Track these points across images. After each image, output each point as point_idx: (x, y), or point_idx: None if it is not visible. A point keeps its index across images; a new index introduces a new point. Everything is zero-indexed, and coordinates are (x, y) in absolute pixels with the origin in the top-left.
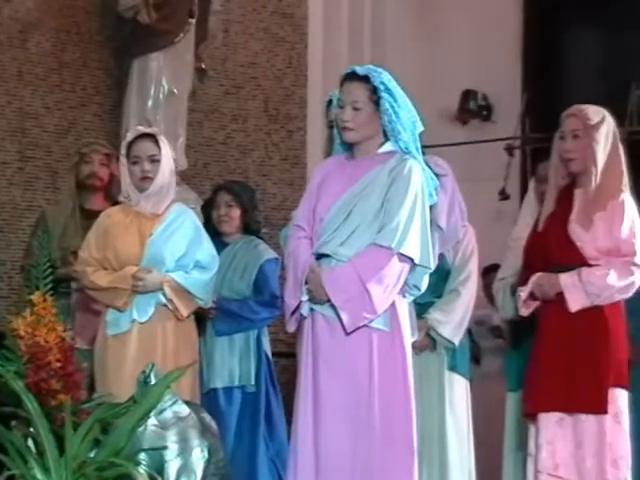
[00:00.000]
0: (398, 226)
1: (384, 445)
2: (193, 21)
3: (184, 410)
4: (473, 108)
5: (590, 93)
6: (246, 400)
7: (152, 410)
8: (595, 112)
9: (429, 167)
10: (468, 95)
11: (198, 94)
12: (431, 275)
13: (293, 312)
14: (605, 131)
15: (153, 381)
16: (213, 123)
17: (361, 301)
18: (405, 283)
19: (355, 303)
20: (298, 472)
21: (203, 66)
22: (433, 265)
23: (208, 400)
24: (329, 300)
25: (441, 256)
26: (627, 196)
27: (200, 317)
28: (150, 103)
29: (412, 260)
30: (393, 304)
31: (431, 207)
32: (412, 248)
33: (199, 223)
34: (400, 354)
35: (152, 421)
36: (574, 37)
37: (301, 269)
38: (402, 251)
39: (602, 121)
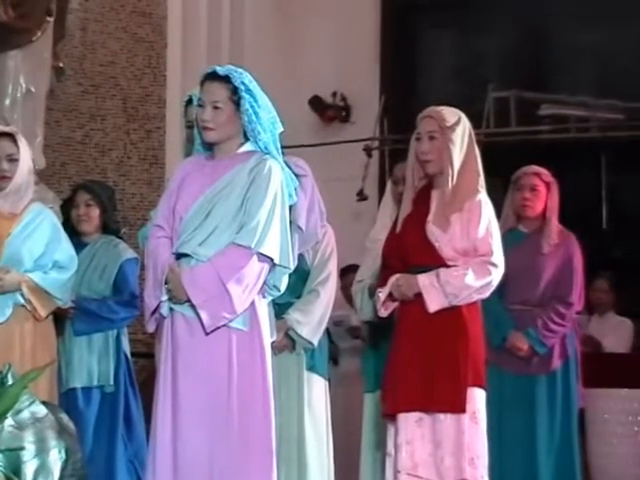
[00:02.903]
0: (258, 226)
1: (242, 446)
2: (51, 19)
3: (41, 410)
4: (331, 104)
5: (447, 95)
6: (105, 400)
7: (9, 411)
8: (451, 113)
9: (289, 167)
10: (316, 102)
11: (56, 93)
12: (290, 275)
13: (153, 312)
14: (461, 132)
15: (10, 382)
16: (71, 122)
17: (221, 301)
18: (264, 283)
19: (215, 303)
20: (157, 473)
21: (61, 65)
22: (293, 265)
23: (67, 400)
24: (189, 300)
25: (300, 256)
26: (483, 196)
27: (59, 317)
28: (7, 102)
29: (272, 260)
30: (252, 304)
31: (291, 207)
32: (272, 248)
33: (58, 223)
34: (259, 354)
35: (9, 422)
36: (431, 39)
37: (161, 269)
38: (262, 251)
39: (458, 122)
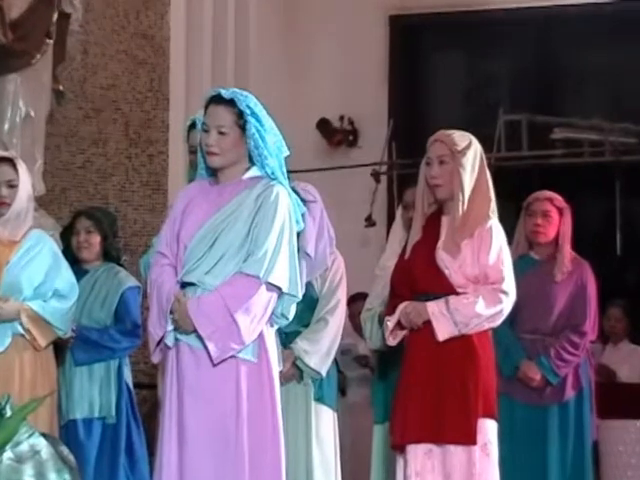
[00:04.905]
0: (266, 254)
1: (251, 478)
2: (51, 42)
3: (41, 443)
4: (338, 128)
5: (457, 119)
6: (106, 432)
7: (8, 443)
8: (461, 137)
9: (296, 193)
10: (323, 125)
11: (56, 117)
12: (298, 304)
13: (158, 343)
14: (472, 156)
15: (9, 413)
16: (72, 147)
17: (229, 332)
18: (272, 312)
19: (222, 334)
20: None
21: (61, 88)
22: (301, 294)
23: (67, 432)
24: (195, 330)
25: (308, 284)
26: (495, 222)
27: (59, 346)
28: (6, 126)
29: (280, 289)
30: (261, 334)
31: (298, 234)
32: (280, 277)
33: (58, 250)
34: (268, 385)
35: (8, 455)
36: (440, 62)
37: (166, 298)
38: (270, 280)
39: (468, 146)
